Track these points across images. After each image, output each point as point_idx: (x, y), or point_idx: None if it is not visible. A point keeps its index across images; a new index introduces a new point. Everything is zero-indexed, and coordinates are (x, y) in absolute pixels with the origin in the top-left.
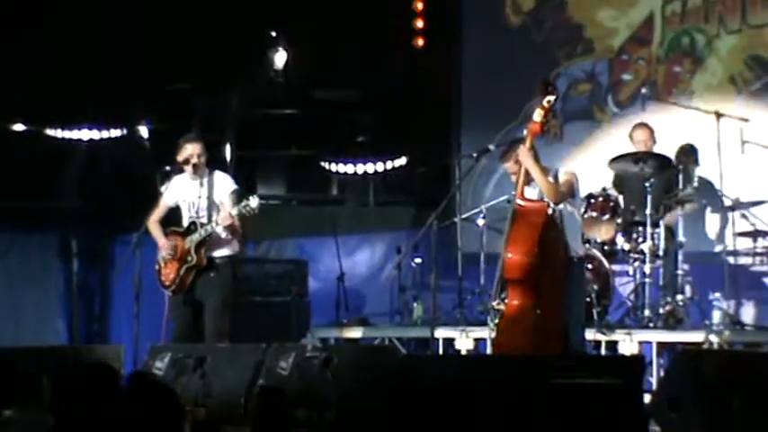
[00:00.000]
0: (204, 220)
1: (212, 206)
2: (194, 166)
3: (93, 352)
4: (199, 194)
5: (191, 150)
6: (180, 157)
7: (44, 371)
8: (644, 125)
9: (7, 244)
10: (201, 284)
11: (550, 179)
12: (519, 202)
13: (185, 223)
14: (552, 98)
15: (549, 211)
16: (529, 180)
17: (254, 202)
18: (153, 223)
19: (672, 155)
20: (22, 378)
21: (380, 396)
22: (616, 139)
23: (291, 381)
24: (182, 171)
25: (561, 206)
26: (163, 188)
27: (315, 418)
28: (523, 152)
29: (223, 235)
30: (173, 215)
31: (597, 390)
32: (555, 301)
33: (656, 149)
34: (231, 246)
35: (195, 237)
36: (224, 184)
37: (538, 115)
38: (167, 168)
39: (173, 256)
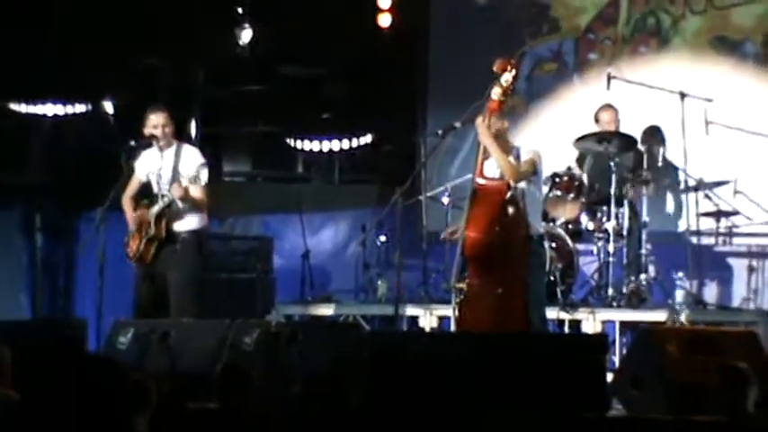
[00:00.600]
0: (166, 192)
1: (176, 178)
2: (157, 136)
3: (55, 326)
4: (164, 166)
5: (154, 120)
6: (146, 129)
7: (5, 344)
8: (610, 106)
9: None
10: (164, 258)
11: (511, 158)
12: (478, 180)
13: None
14: (510, 76)
15: (509, 190)
16: (488, 157)
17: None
18: (126, 199)
19: (637, 135)
20: None
21: (345, 371)
22: (581, 117)
23: (256, 356)
24: (150, 145)
25: (522, 184)
26: (135, 163)
27: (280, 393)
28: (482, 129)
29: (181, 206)
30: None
31: (560, 367)
32: (516, 280)
33: (622, 130)
34: (195, 220)
35: (155, 208)
36: (191, 157)
37: (496, 93)
38: (132, 143)
39: (137, 229)
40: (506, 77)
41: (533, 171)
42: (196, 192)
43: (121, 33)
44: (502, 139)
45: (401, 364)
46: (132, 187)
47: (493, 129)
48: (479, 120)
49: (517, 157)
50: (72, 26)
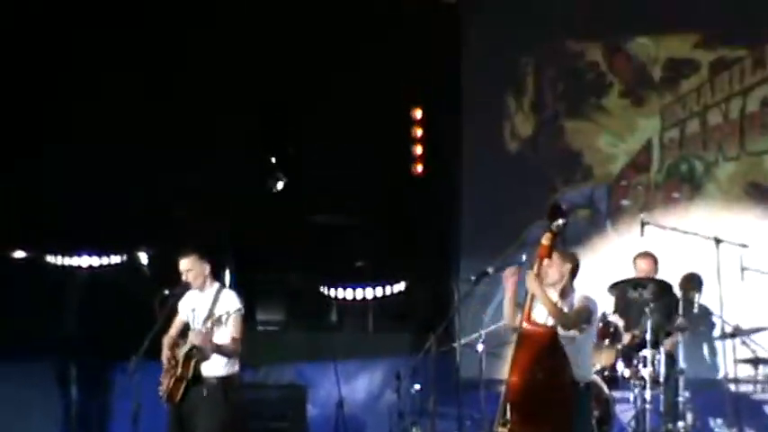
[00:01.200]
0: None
1: (210, 320)
2: (187, 282)
3: None
4: (199, 307)
5: (180, 266)
6: None
7: None
8: (648, 254)
9: (8, 370)
10: (193, 401)
11: (561, 304)
12: (525, 325)
13: None
14: (561, 222)
15: (553, 336)
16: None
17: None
18: (167, 337)
19: (671, 281)
20: None
21: None
22: (614, 264)
23: None
24: (187, 290)
25: (575, 332)
26: (179, 304)
27: None
28: (531, 278)
29: (207, 351)
30: None
31: None
32: (559, 427)
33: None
34: (222, 366)
35: (184, 348)
36: (227, 301)
37: (546, 239)
38: (166, 292)
39: (168, 366)
40: (557, 223)
41: (586, 319)
42: (224, 337)
43: (156, 184)
44: (564, 285)
45: None
46: (174, 327)
47: (552, 273)
48: (529, 272)
49: (572, 304)
50: (107, 179)
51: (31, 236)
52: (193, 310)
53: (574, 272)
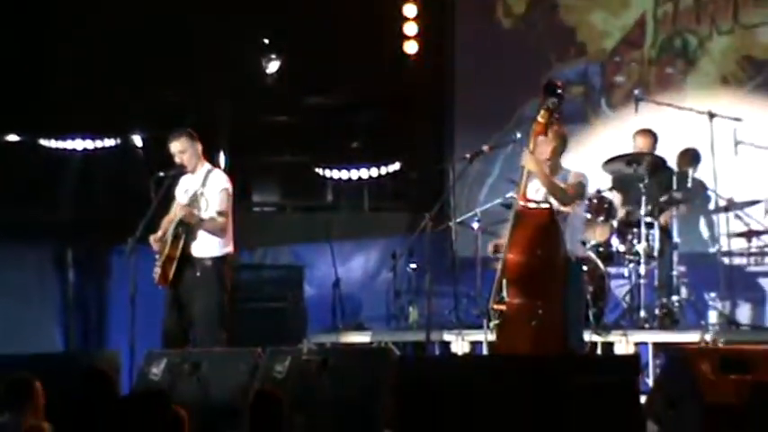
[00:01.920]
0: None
1: (198, 200)
2: (182, 164)
3: (88, 358)
4: (190, 189)
5: (172, 149)
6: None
7: (39, 377)
8: (647, 131)
9: (3, 256)
10: (187, 283)
11: (558, 180)
12: (521, 203)
13: None
14: (556, 100)
15: (551, 213)
16: (531, 180)
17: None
18: (164, 221)
19: (666, 156)
20: (17, 385)
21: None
22: (609, 140)
23: (287, 384)
24: (182, 173)
25: (568, 208)
26: (176, 189)
27: (311, 420)
28: (526, 155)
29: (200, 230)
30: None
31: (595, 389)
32: (555, 302)
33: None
34: (215, 246)
35: (171, 227)
36: (216, 180)
37: (542, 117)
38: (160, 174)
39: (159, 248)
40: (552, 100)
41: (581, 194)
42: (209, 213)
43: (149, 67)
44: (553, 162)
45: (433, 389)
46: (172, 213)
47: (544, 150)
48: (524, 149)
49: (564, 180)
50: (101, 61)
51: (25, 120)
52: (186, 192)
53: (562, 148)
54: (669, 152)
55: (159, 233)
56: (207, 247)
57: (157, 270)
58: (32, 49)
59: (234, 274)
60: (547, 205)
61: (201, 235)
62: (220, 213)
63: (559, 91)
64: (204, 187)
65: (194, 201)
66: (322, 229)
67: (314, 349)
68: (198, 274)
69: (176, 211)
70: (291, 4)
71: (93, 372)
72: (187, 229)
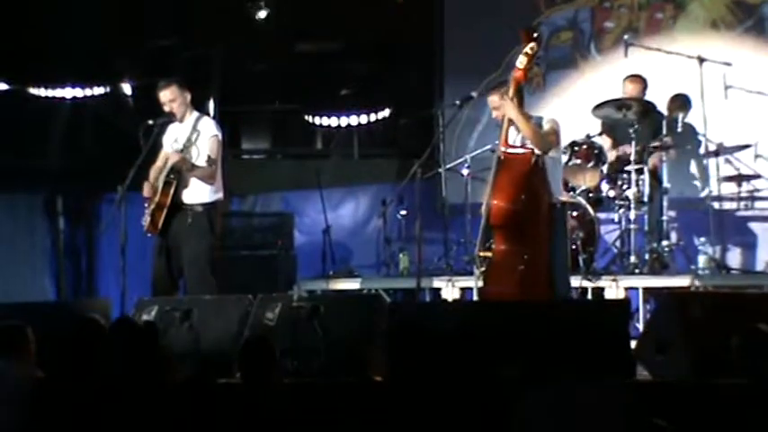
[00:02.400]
0: None
1: (189, 148)
2: (171, 113)
3: (79, 306)
4: (180, 137)
5: (162, 97)
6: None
7: (31, 326)
8: (637, 76)
9: None
10: (177, 230)
11: (534, 127)
12: (503, 149)
13: None
14: (535, 45)
15: (533, 158)
16: (512, 128)
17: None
18: (152, 169)
19: (656, 101)
20: (9, 332)
21: (367, 343)
22: (599, 86)
23: (278, 331)
24: (171, 121)
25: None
26: (162, 137)
27: (302, 367)
28: (506, 100)
29: (190, 177)
30: None
31: (584, 334)
32: (541, 247)
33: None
34: (206, 193)
35: (162, 177)
36: (204, 128)
37: (521, 63)
38: (150, 122)
39: (150, 196)
40: (531, 46)
41: (555, 140)
42: (200, 160)
43: (138, 14)
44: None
45: (423, 334)
46: (160, 160)
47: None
48: (504, 95)
49: (539, 126)
50: (89, 8)
51: (14, 68)
52: (176, 141)
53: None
54: (659, 97)
55: (151, 180)
56: (198, 193)
57: (147, 218)
58: None
59: (224, 222)
60: (528, 150)
61: (192, 182)
62: (211, 160)
63: (536, 36)
64: (194, 135)
65: (186, 149)
66: (312, 177)
67: (304, 296)
68: (189, 220)
69: (167, 159)
70: None
71: (83, 320)
72: (178, 176)
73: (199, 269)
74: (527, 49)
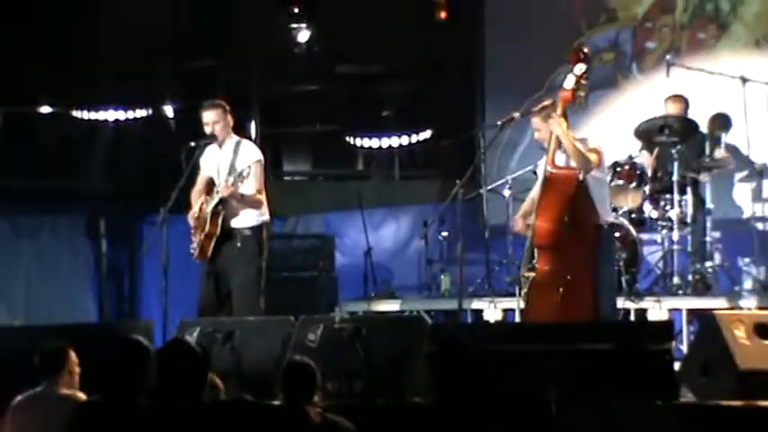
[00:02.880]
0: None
1: (233, 174)
2: (213, 134)
3: (122, 328)
4: (222, 162)
5: (205, 118)
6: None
7: (73, 347)
8: (678, 96)
9: (37, 225)
10: (226, 256)
11: (581, 147)
12: (550, 169)
13: None
14: (584, 66)
15: (580, 179)
16: (558, 148)
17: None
18: (193, 193)
19: (699, 122)
20: (52, 354)
21: (409, 366)
22: (641, 105)
23: (320, 352)
24: (211, 143)
25: (591, 174)
26: (201, 159)
27: (344, 389)
28: (555, 120)
29: (236, 203)
30: None
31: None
32: (586, 268)
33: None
34: (253, 216)
35: (210, 205)
36: (248, 152)
37: (569, 83)
38: (191, 144)
39: (196, 225)
40: (580, 67)
41: (599, 162)
42: (249, 188)
43: (180, 36)
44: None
45: (466, 356)
46: (199, 182)
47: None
48: (553, 114)
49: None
50: (132, 31)
51: (58, 90)
52: (219, 165)
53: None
54: (701, 118)
55: (195, 209)
56: (245, 218)
57: (195, 247)
58: (65, 19)
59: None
60: (573, 170)
61: (240, 208)
62: (257, 190)
63: (585, 56)
64: (237, 160)
65: (232, 176)
66: (353, 198)
67: (346, 318)
68: (238, 244)
69: (217, 191)
70: None
71: (128, 342)
72: (226, 205)
73: (248, 292)
74: (575, 70)
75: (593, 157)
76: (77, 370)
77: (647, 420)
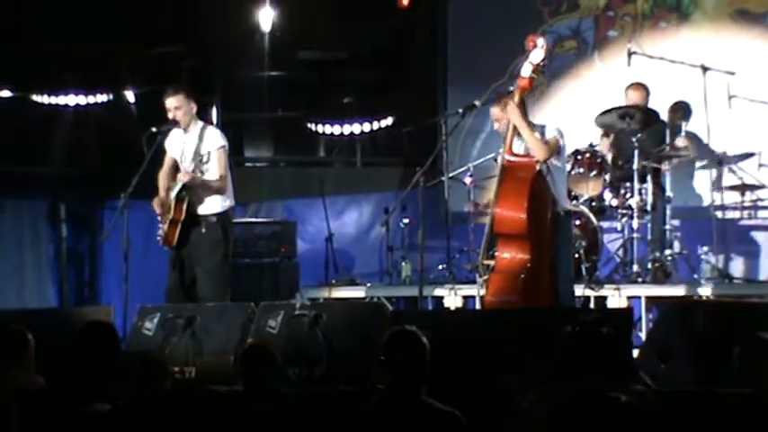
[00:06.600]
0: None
1: (196, 159)
2: (174, 120)
3: (82, 313)
4: (186, 147)
5: (167, 104)
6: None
7: (32, 332)
8: (639, 84)
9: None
10: (192, 242)
11: (537, 135)
12: (507, 157)
13: None
14: (541, 54)
15: (537, 167)
16: (516, 136)
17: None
18: (161, 175)
19: (659, 110)
20: (10, 338)
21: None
22: (602, 94)
23: (280, 339)
24: (175, 127)
25: (550, 161)
26: (165, 142)
27: (304, 375)
28: (512, 108)
29: (201, 189)
30: None
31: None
32: (545, 255)
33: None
34: (218, 202)
35: (174, 190)
36: (212, 138)
37: (527, 71)
38: (153, 130)
39: (161, 211)
40: (538, 54)
41: (557, 149)
42: (212, 174)
43: (142, 22)
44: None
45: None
46: (165, 166)
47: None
48: (510, 102)
49: (542, 135)
50: (93, 15)
51: (18, 75)
52: (183, 150)
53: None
54: (662, 106)
55: (162, 193)
56: (210, 204)
57: (162, 233)
58: (24, 3)
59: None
60: (532, 158)
61: (204, 194)
62: (222, 175)
63: (542, 45)
64: (201, 146)
65: (195, 162)
66: (315, 185)
67: (307, 304)
68: (203, 230)
69: (179, 178)
70: None
71: (96, 324)
72: (190, 191)
73: (215, 278)
74: (533, 58)
75: (550, 144)
76: (34, 355)
77: (605, 406)
